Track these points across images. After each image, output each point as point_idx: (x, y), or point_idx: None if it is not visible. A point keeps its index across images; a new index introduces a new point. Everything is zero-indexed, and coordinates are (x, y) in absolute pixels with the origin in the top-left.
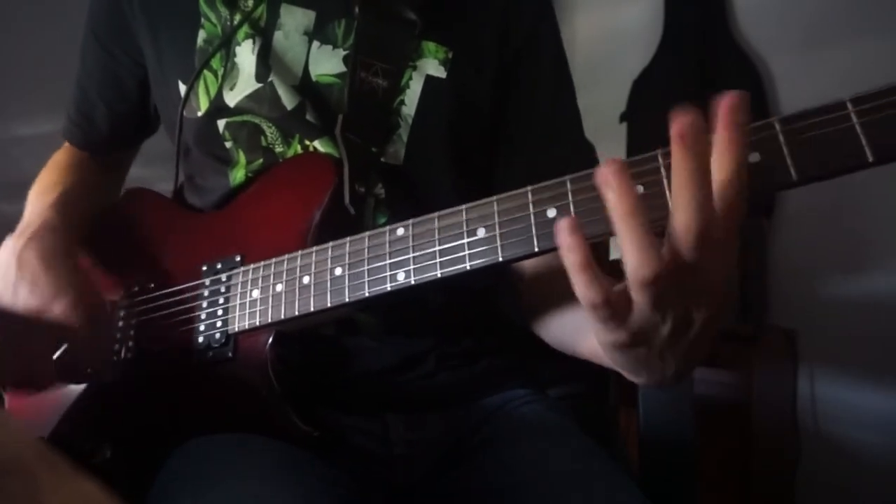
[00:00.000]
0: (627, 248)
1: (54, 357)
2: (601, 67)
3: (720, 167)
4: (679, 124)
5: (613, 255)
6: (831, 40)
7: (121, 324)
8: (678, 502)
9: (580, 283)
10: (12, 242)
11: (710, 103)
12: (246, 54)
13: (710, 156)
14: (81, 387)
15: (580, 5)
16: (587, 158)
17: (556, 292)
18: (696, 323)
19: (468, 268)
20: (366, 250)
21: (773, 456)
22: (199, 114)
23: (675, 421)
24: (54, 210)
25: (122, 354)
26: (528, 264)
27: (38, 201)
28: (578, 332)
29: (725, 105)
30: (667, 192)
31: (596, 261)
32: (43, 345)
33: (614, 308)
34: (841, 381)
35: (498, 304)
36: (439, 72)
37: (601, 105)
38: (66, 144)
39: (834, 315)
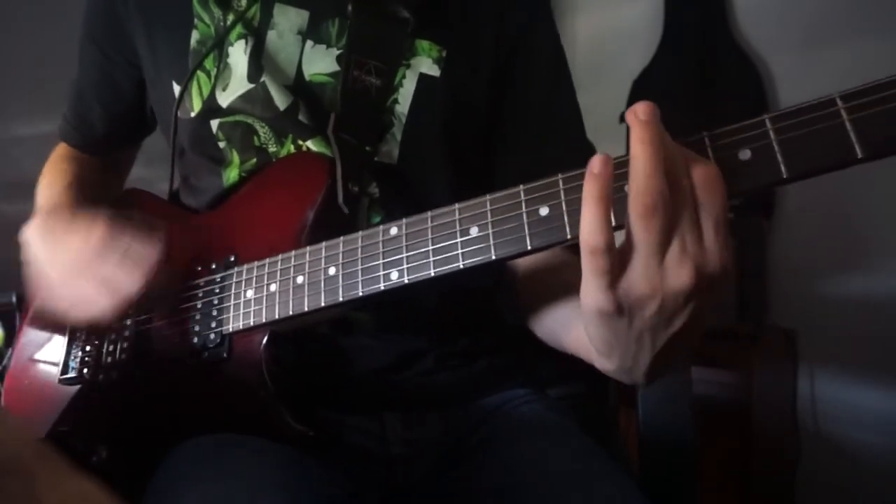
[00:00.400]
0: (640, 170)
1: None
2: (601, 67)
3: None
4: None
5: None
6: (831, 40)
7: (115, 324)
8: (678, 502)
9: (590, 217)
10: (35, 225)
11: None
12: (238, 55)
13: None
14: (77, 388)
15: (580, 5)
16: (585, 157)
17: (550, 289)
18: (680, 317)
19: (461, 266)
20: (359, 249)
21: (773, 456)
22: (193, 114)
23: (674, 421)
24: (72, 191)
25: (118, 355)
26: (524, 263)
27: (51, 187)
28: (566, 324)
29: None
30: None
31: None
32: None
33: (612, 258)
34: (841, 381)
35: (496, 304)
36: (433, 70)
37: (601, 105)
38: (63, 143)
39: (834, 315)
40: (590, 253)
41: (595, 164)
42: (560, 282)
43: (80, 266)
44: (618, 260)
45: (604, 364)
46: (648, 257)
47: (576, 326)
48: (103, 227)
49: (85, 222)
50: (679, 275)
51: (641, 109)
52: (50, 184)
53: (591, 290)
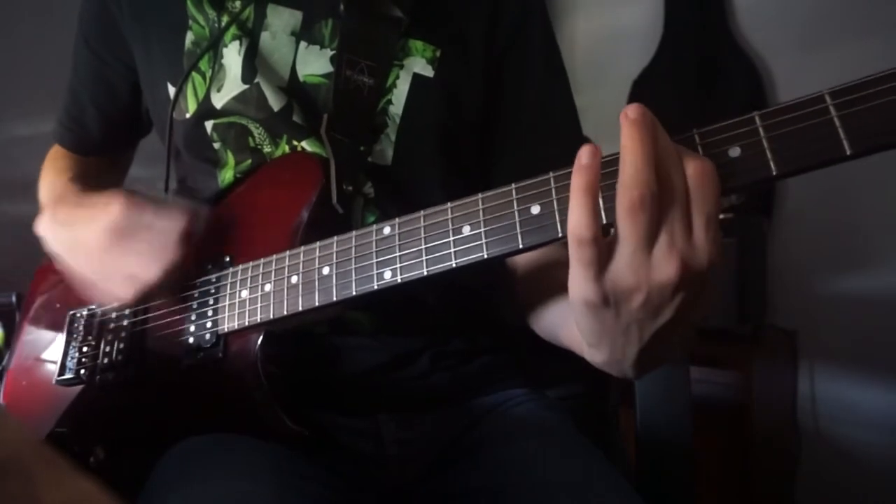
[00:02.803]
0: (628, 163)
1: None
2: (601, 67)
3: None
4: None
5: None
6: (831, 40)
7: (112, 325)
8: (676, 503)
9: (577, 208)
10: (45, 217)
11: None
12: (232, 56)
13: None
14: (73, 390)
15: (580, 5)
16: None
17: (548, 286)
18: (667, 310)
19: (454, 266)
20: (353, 249)
21: (773, 456)
22: (188, 115)
23: (672, 421)
24: (75, 183)
25: (114, 355)
26: (523, 261)
27: (54, 182)
28: (562, 320)
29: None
30: None
31: None
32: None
33: (597, 250)
34: (841, 381)
35: (493, 303)
36: (427, 70)
37: (601, 105)
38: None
39: (834, 315)
40: (576, 243)
41: (583, 155)
42: (555, 280)
43: (107, 250)
44: (605, 251)
45: (593, 355)
46: (635, 250)
47: (571, 323)
48: (120, 206)
49: (98, 208)
50: (666, 268)
51: (632, 109)
52: (52, 181)
53: (578, 280)
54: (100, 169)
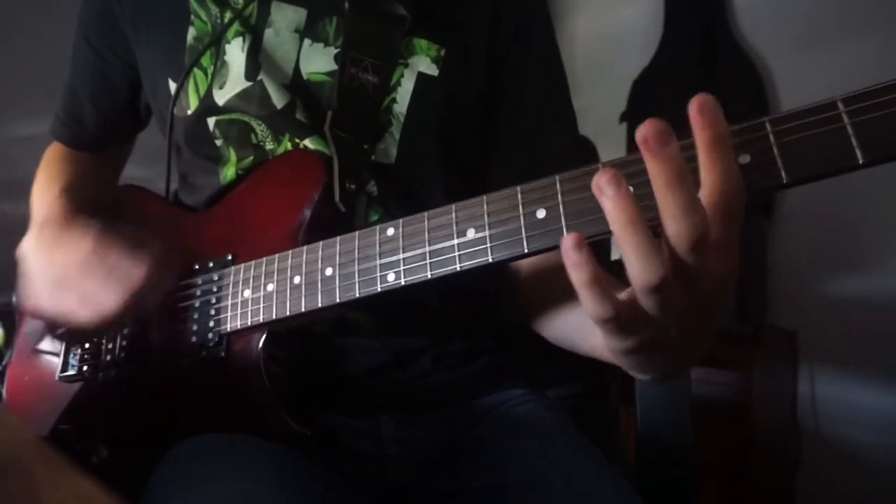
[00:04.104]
0: (630, 257)
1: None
2: (601, 67)
3: (705, 169)
4: (642, 130)
5: (614, 256)
6: (831, 40)
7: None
8: (676, 502)
9: (589, 300)
10: (30, 238)
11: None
12: (236, 52)
13: (681, 160)
14: (76, 387)
15: (580, 5)
16: (580, 154)
17: (555, 290)
18: (699, 326)
19: (458, 269)
20: (356, 250)
21: (773, 456)
22: (190, 112)
23: (672, 421)
24: (63, 199)
25: (117, 353)
26: (525, 262)
27: (44, 195)
28: (579, 331)
29: (695, 106)
30: None
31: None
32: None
33: (624, 320)
34: (841, 381)
35: (495, 303)
36: (431, 69)
37: (601, 105)
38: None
39: (834, 315)
40: (600, 322)
41: (569, 251)
42: (564, 283)
43: (64, 279)
44: (631, 313)
45: (638, 376)
46: (662, 314)
47: (592, 334)
48: (91, 241)
49: (75, 235)
50: (692, 302)
51: (605, 183)
52: (43, 190)
53: (610, 341)
54: (94, 165)
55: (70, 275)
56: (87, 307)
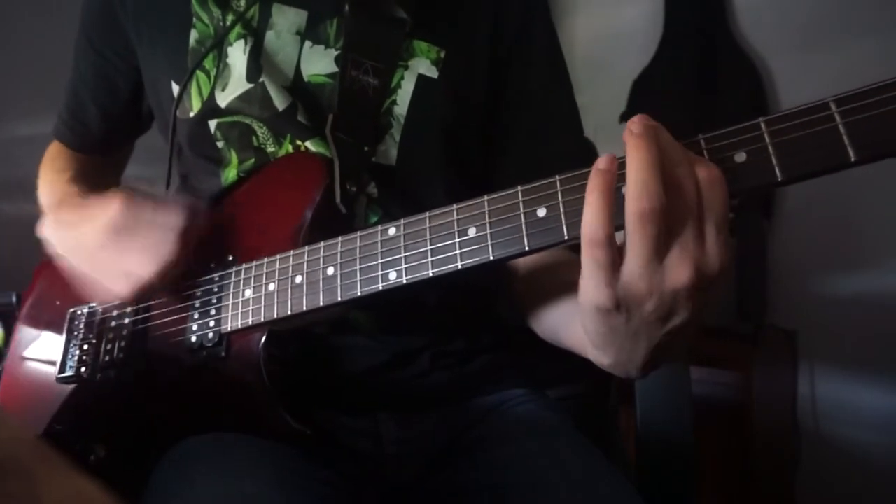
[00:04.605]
0: (633, 176)
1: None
2: (601, 67)
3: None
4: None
5: None
6: (831, 41)
7: (114, 323)
8: (676, 503)
9: (592, 207)
10: (48, 219)
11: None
12: (237, 54)
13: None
14: (73, 386)
15: (580, 5)
16: (582, 155)
17: (549, 288)
18: (679, 314)
19: (459, 267)
20: (357, 250)
21: (773, 456)
22: (192, 114)
23: (672, 421)
24: (75, 184)
25: (115, 353)
26: (524, 261)
27: (54, 184)
28: (565, 322)
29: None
30: None
31: None
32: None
33: (611, 252)
34: (841, 381)
35: (494, 303)
36: (431, 72)
37: (601, 105)
38: (56, 141)
39: (834, 315)
40: (589, 245)
41: (602, 160)
42: (559, 280)
43: (101, 247)
44: (618, 255)
45: (599, 357)
46: (647, 259)
47: (574, 324)
48: (118, 206)
49: (97, 208)
50: (679, 275)
51: (635, 122)
52: (52, 182)
53: (591, 285)
54: (97, 166)
55: (110, 241)
56: (143, 262)
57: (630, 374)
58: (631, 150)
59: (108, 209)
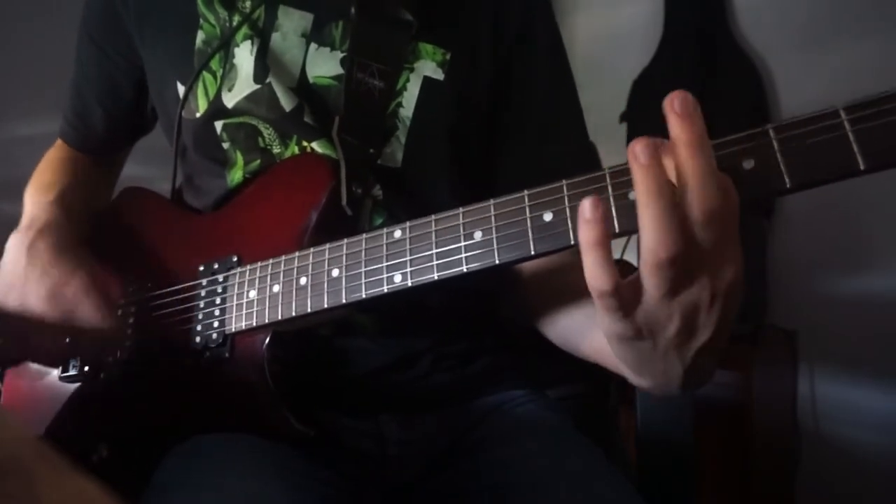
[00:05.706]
0: (647, 227)
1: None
2: (601, 67)
3: (683, 173)
4: (632, 145)
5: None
6: (831, 40)
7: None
8: (676, 502)
9: (591, 263)
10: (20, 237)
11: (709, 103)
12: (244, 55)
13: (666, 170)
14: (75, 386)
15: (580, 5)
16: (586, 156)
17: (558, 291)
18: (704, 330)
19: (465, 270)
20: (363, 252)
21: (773, 456)
22: (198, 115)
23: (672, 421)
24: (57, 206)
25: (119, 354)
26: (530, 263)
27: (37, 198)
28: (581, 332)
29: (668, 104)
30: None
31: None
32: (55, 330)
33: (623, 297)
34: (841, 381)
35: (497, 304)
36: (437, 74)
37: (601, 105)
38: (60, 142)
39: (834, 315)
40: (598, 296)
41: (585, 209)
42: (568, 284)
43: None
44: (630, 293)
45: (639, 382)
46: (665, 294)
47: (593, 335)
48: (81, 285)
49: (68, 269)
50: (697, 294)
51: (640, 149)
52: (38, 191)
53: (607, 321)
54: (96, 168)
55: (27, 293)
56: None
57: (674, 391)
58: (642, 207)
59: (67, 281)
